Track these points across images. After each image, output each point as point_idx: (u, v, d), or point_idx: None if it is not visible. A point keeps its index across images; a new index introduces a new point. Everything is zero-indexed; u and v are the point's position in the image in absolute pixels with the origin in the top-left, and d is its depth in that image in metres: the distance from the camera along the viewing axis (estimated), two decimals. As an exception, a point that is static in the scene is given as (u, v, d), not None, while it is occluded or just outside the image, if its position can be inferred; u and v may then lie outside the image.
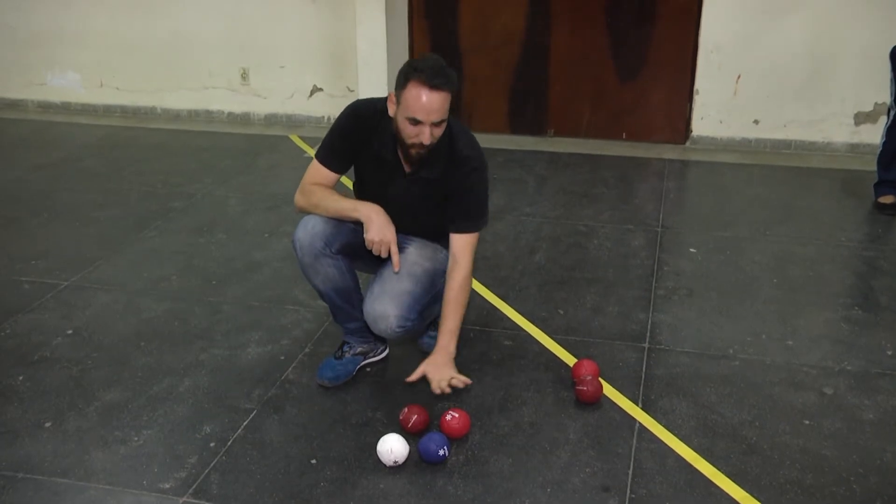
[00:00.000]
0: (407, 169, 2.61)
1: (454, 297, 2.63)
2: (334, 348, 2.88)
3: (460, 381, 2.60)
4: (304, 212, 2.67)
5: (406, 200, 2.64)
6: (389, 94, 2.50)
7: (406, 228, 2.66)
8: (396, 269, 2.57)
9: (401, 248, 2.67)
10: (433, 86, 2.37)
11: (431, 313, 2.77)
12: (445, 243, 2.71)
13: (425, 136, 2.43)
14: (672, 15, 5.32)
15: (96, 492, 2.28)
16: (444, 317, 2.65)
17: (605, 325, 3.18)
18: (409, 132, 2.45)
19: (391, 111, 2.52)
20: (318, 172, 2.66)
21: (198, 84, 6.14)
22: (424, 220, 2.72)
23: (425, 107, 2.38)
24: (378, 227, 2.51)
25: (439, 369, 2.59)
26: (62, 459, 2.41)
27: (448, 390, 2.57)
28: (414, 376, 2.62)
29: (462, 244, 2.64)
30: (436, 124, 2.43)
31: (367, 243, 2.53)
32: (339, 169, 2.66)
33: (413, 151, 2.50)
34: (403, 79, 2.42)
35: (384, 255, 2.53)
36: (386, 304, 2.55)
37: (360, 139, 2.60)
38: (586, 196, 4.58)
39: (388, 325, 2.56)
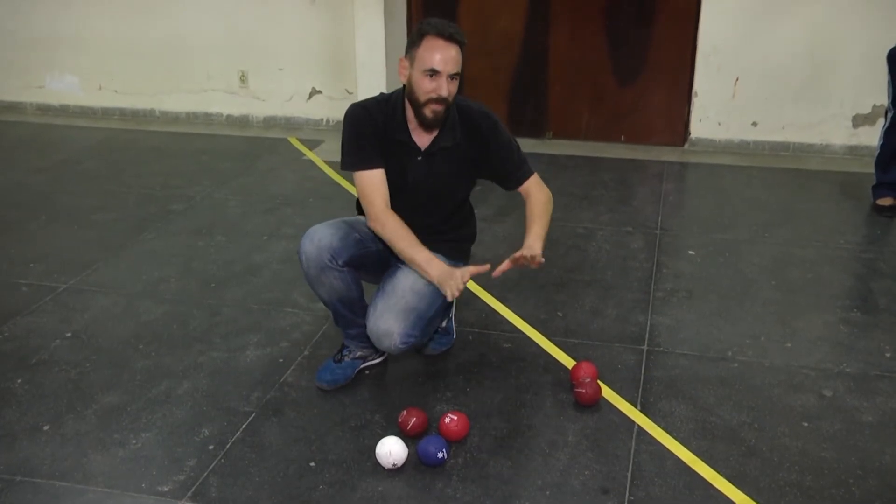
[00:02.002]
0: (423, 145, 2.62)
1: (537, 209, 2.68)
2: (333, 351, 2.87)
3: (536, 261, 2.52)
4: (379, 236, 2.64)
5: (428, 182, 2.64)
6: (400, 60, 2.55)
7: (429, 214, 2.67)
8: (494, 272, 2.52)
9: (403, 261, 2.67)
10: (448, 36, 2.46)
11: (435, 326, 2.76)
12: (455, 245, 2.75)
13: (442, 88, 2.47)
14: (670, 17, 5.33)
15: (95, 495, 2.28)
16: (528, 226, 2.64)
17: (604, 327, 3.18)
18: (426, 87, 2.48)
19: (402, 76, 2.56)
20: (371, 182, 2.59)
21: (197, 87, 6.15)
22: (447, 201, 2.74)
23: (442, 57, 2.45)
24: (448, 277, 2.47)
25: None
26: (60, 462, 2.40)
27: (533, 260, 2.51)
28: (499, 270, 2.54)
29: (530, 187, 2.72)
30: (451, 77, 2.48)
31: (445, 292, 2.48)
32: (380, 163, 2.61)
33: (429, 111, 2.51)
34: (417, 37, 2.49)
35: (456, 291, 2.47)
36: (390, 321, 2.54)
37: (376, 128, 2.59)
38: (585, 198, 4.58)
39: (392, 342, 2.55)
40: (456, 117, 2.62)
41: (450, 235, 2.79)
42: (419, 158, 2.63)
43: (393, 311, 2.55)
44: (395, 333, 2.53)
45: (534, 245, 2.57)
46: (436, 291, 2.63)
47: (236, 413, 2.64)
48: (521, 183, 2.73)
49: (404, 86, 2.59)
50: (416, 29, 2.51)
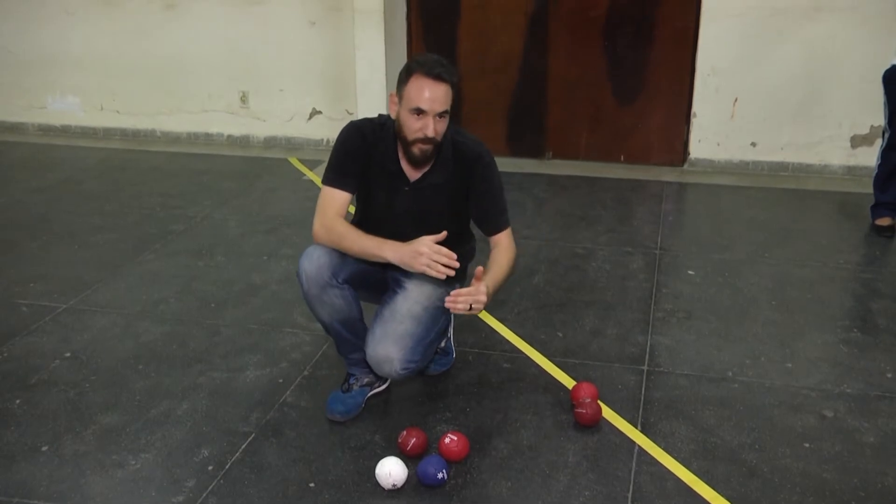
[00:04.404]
0: (412, 177, 2.61)
1: (504, 258, 2.63)
2: (335, 373, 2.87)
3: (468, 302, 2.38)
4: (324, 244, 2.59)
5: (414, 211, 2.62)
6: (390, 95, 2.54)
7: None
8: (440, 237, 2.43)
9: (400, 286, 2.66)
10: (435, 76, 2.43)
11: (435, 348, 2.74)
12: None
13: (429, 128, 2.45)
14: (669, 38, 5.36)
15: (93, 516, 2.27)
16: (489, 266, 2.57)
17: (604, 347, 3.18)
18: (413, 126, 2.47)
19: (392, 112, 2.55)
20: (331, 198, 2.59)
21: (197, 107, 6.17)
22: (433, 232, 2.69)
23: (429, 96, 2.42)
24: (412, 255, 2.40)
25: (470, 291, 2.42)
26: (59, 484, 2.39)
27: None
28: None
29: (502, 238, 2.68)
30: (439, 116, 2.46)
31: (419, 271, 2.42)
32: (352, 188, 2.62)
33: (417, 150, 2.50)
34: (405, 74, 2.47)
35: (442, 267, 2.38)
36: (389, 347, 2.52)
37: (365, 153, 2.59)
38: (584, 218, 4.59)
39: (393, 369, 2.53)
40: (450, 154, 2.59)
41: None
42: (406, 189, 2.62)
43: (391, 336, 2.53)
44: (395, 360, 2.51)
45: (490, 284, 2.46)
46: (434, 314, 2.62)
47: (236, 434, 2.63)
48: (497, 231, 2.68)
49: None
50: (406, 66, 2.49)
